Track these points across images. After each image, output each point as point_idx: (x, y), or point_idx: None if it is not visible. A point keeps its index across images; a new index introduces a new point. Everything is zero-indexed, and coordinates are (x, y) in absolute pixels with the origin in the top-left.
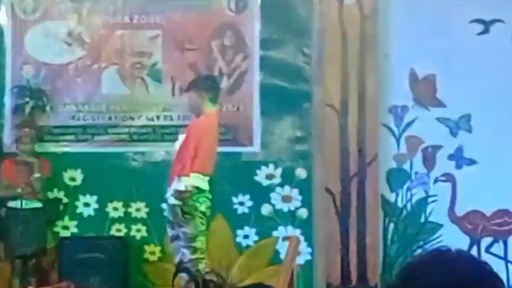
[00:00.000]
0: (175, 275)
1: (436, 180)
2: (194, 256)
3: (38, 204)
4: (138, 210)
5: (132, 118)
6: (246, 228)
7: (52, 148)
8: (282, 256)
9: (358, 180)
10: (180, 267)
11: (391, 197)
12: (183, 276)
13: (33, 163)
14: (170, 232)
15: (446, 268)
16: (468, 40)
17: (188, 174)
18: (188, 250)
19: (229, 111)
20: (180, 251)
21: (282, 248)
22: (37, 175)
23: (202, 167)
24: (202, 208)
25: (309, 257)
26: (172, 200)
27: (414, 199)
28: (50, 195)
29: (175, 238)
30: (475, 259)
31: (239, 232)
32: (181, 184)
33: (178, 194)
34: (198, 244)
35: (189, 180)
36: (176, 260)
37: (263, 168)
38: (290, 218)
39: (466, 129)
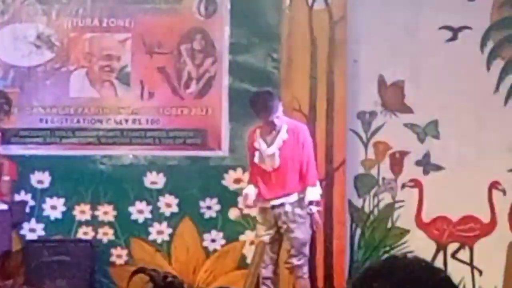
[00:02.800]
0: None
1: (403, 186)
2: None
3: (4, 207)
4: (105, 213)
5: (100, 121)
6: (214, 232)
7: (19, 150)
8: (249, 260)
9: (325, 185)
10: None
11: (359, 202)
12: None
13: (2, 164)
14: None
15: (400, 274)
16: (436, 47)
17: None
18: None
19: (197, 115)
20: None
21: (249, 252)
22: (6, 178)
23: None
24: None
25: None
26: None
27: (381, 204)
28: (17, 197)
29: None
30: (430, 266)
31: (206, 236)
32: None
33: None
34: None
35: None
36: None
37: (231, 172)
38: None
39: (433, 135)
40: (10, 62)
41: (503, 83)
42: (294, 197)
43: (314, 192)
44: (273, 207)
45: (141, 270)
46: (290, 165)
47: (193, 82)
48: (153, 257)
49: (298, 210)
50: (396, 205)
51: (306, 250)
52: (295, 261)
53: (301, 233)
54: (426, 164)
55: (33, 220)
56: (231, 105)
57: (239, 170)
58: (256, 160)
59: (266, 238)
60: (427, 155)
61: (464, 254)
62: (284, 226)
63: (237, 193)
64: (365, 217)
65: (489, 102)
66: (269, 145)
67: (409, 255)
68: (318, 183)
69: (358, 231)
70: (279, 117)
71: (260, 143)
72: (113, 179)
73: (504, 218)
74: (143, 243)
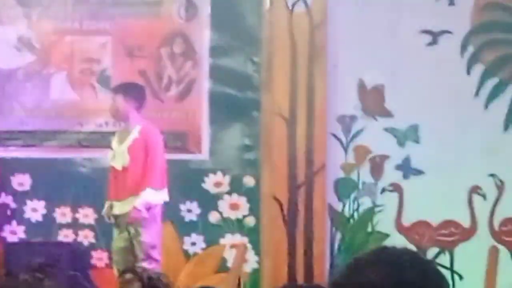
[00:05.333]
0: (120, 276)
1: (383, 190)
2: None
3: None
4: (86, 216)
5: (80, 124)
6: (194, 235)
7: (0, 153)
8: (229, 264)
9: (305, 189)
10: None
11: (339, 206)
12: (128, 276)
13: None
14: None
15: (390, 264)
16: (416, 51)
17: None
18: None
19: (177, 119)
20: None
21: (230, 255)
22: None
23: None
24: None
25: (256, 265)
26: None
27: (361, 208)
28: None
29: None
30: (419, 257)
31: (186, 239)
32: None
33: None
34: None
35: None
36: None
37: (211, 175)
38: (238, 226)
39: (413, 139)
40: None
41: (483, 88)
42: (139, 200)
43: (150, 194)
44: (121, 209)
45: (129, 270)
46: (137, 166)
47: (174, 85)
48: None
49: (144, 214)
50: (376, 209)
51: (155, 253)
52: (146, 265)
53: (149, 236)
54: (406, 168)
55: (14, 223)
56: (212, 108)
57: (219, 173)
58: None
59: (120, 242)
60: (407, 160)
61: (444, 259)
62: (132, 230)
63: (217, 197)
64: (345, 221)
65: (469, 106)
66: (120, 144)
67: (398, 246)
68: (162, 189)
69: (338, 235)
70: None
71: (114, 141)
72: (93, 181)
73: (485, 223)
74: None
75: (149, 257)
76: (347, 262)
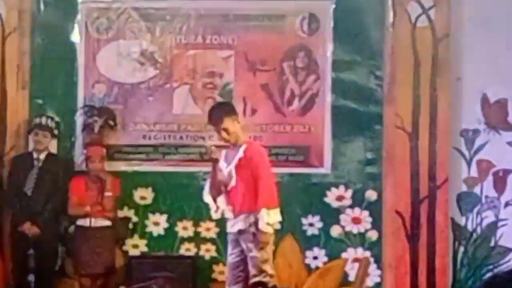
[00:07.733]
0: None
1: (506, 204)
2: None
3: (108, 223)
4: (207, 229)
5: (203, 138)
6: (316, 249)
7: (123, 167)
8: (351, 278)
9: (428, 203)
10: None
11: (461, 220)
12: None
13: (105, 181)
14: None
15: None
16: None
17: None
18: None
19: (300, 132)
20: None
21: (352, 270)
22: (108, 193)
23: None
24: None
25: (378, 279)
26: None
27: (484, 222)
28: (120, 213)
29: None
30: None
31: (308, 253)
32: (271, 217)
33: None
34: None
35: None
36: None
37: (333, 189)
38: (360, 240)
39: None
40: (114, 78)
41: None
42: (251, 217)
43: (270, 215)
44: (234, 226)
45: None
46: (245, 184)
47: (296, 99)
48: None
49: (253, 229)
50: (500, 223)
51: (268, 267)
52: (259, 279)
53: (259, 252)
54: None
55: (136, 236)
56: (334, 122)
57: (342, 187)
58: (219, 177)
59: (232, 258)
60: None
61: None
62: (244, 246)
63: (339, 211)
64: (468, 235)
65: None
66: (228, 164)
67: None
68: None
69: (461, 249)
70: (233, 135)
71: (222, 161)
72: None
73: None
74: None
75: (261, 272)
76: (485, 279)
